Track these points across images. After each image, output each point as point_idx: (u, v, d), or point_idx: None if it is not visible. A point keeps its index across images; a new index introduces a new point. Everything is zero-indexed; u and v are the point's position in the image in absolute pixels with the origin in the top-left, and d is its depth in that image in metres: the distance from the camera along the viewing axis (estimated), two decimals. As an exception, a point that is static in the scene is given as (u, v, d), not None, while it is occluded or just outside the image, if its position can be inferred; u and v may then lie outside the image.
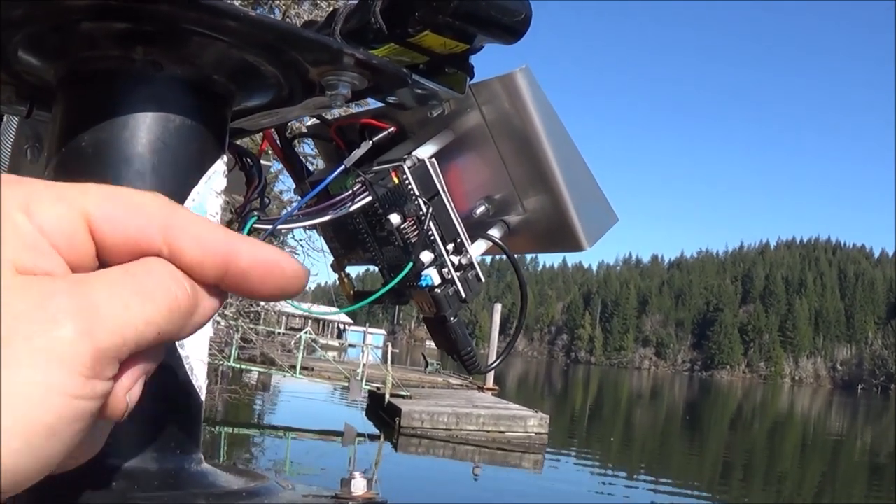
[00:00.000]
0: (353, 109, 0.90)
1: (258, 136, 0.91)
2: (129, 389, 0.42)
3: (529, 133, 0.82)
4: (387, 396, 26.07)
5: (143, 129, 0.66)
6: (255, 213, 0.79)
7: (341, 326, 73.15)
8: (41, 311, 0.38)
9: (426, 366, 41.18)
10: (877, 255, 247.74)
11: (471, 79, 0.77)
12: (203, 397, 0.69)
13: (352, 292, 0.96)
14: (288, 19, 17.13)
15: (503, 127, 0.84)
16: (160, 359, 0.46)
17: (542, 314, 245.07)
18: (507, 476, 20.29)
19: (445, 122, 0.84)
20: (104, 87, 0.68)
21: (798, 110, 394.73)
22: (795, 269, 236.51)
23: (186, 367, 0.67)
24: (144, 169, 0.66)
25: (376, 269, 0.93)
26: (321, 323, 67.13)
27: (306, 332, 30.09)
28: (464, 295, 0.84)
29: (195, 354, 0.68)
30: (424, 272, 0.83)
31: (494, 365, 1.01)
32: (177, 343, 0.66)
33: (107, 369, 0.40)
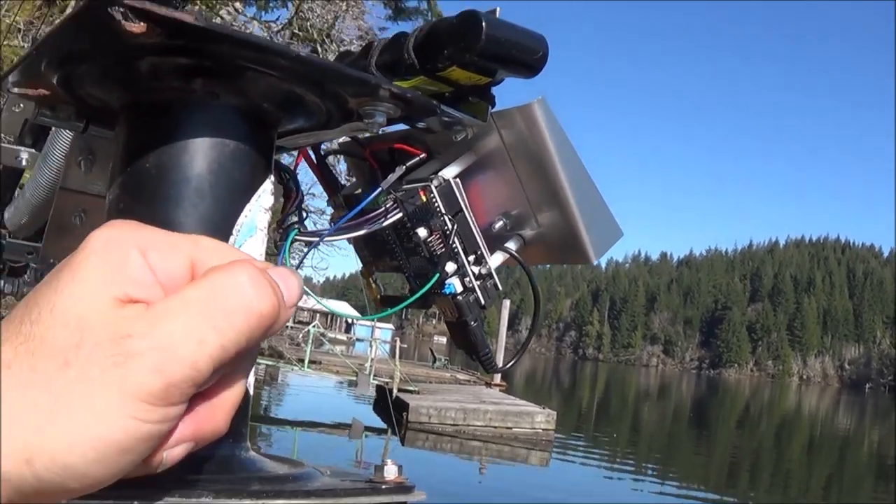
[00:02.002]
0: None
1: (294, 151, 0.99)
2: (228, 390, 0.51)
3: (544, 156, 0.91)
4: (394, 391, 26.08)
5: (201, 152, 0.73)
6: (296, 226, 0.87)
7: (349, 321, 73.06)
8: (117, 346, 0.43)
9: (434, 361, 41.16)
10: (886, 254, 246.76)
11: (492, 108, 0.85)
12: (252, 391, 0.77)
13: (378, 297, 1.04)
14: (301, 14, 17.22)
15: (520, 150, 0.92)
16: (254, 360, 0.55)
17: (550, 311, 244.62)
18: (514, 472, 20.32)
19: (468, 145, 0.92)
20: (166, 115, 0.75)
21: (809, 109, 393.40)
22: (804, 267, 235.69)
23: None
24: (203, 188, 0.73)
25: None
26: (329, 317, 67.07)
27: (314, 326, 30.15)
28: (483, 302, 0.93)
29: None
30: (448, 281, 0.91)
31: (509, 365, 1.09)
32: None
33: (179, 396, 0.45)
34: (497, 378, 33.55)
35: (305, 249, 0.89)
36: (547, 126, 0.90)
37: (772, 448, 35.12)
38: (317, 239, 0.87)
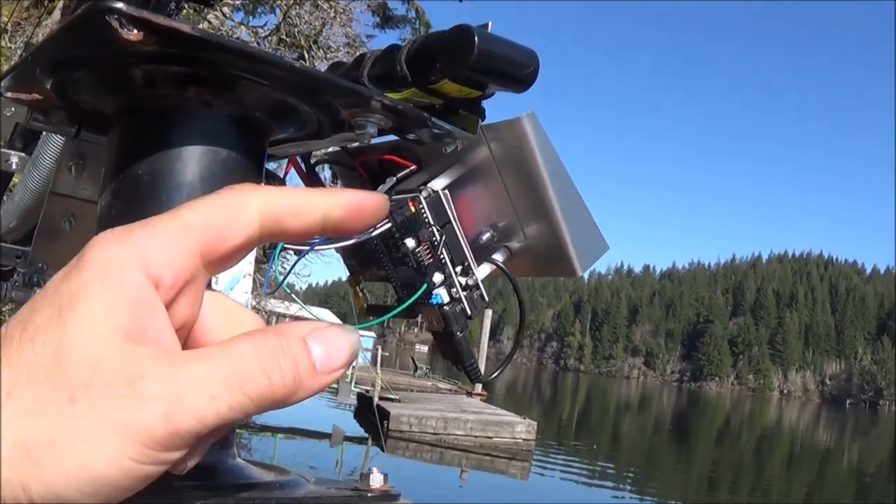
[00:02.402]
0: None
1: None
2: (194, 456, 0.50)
3: (532, 170, 0.92)
4: (375, 399, 26.06)
5: (194, 160, 0.74)
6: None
7: (331, 328, 72.40)
8: (130, 388, 0.43)
9: (415, 370, 41.13)
10: (868, 270, 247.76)
11: (482, 121, 0.86)
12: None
13: (365, 305, 1.05)
14: (289, 20, 17.20)
15: (509, 163, 0.93)
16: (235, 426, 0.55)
17: (532, 321, 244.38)
18: (494, 482, 20.32)
19: (457, 157, 0.93)
20: (159, 122, 0.75)
21: (792, 123, 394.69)
22: (787, 282, 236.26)
23: None
24: (194, 196, 0.73)
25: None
26: (311, 324, 66.57)
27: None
28: (469, 312, 0.94)
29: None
30: (435, 291, 0.92)
31: (494, 375, 1.09)
32: None
33: (180, 445, 0.45)
34: (478, 388, 33.53)
35: (295, 258, 0.90)
36: (535, 140, 0.91)
37: (752, 462, 35.17)
38: (307, 248, 0.88)
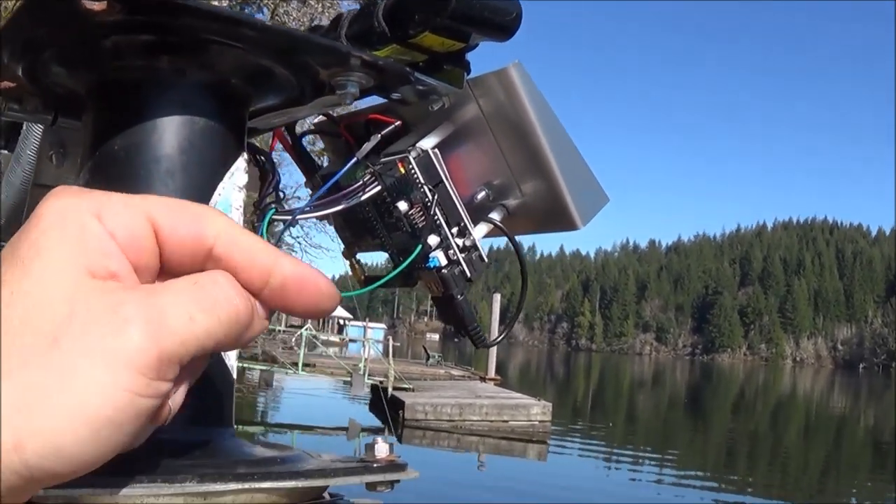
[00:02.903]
0: (358, 107, 0.96)
1: (268, 135, 0.97)
2: (173, 396, 0.49)
3: (524, 122, 0.89)
4: (389, 390, 26.08)
5: (171, 131, 0.72)
6: (273, 205, 0.85)
7: (341, 322, 73.09)
8: (113, 315, 0.42)
9: (427, 358, 41.21)
10: (874, 233, 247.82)
11: (468, 74, 0.83)
12: (234, 374, 0.76)
13: (363, 277, 1.02)
14: (276, 17, 17.21)
15: (499, 118, 0.90)
16: (205, 367, 0.54)
17: (541, 303, 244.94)
18: (512, 465, 20.36)
19: (445, 114, 0.90)
20: (133, 95, 0.73)
21: (792, 89, 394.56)
22: (793, 249, 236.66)
23: (230, 367, 0.74)
24: (174, 168, 0.71)
25: (383, 256, 0.99)
26: (321, 319, 67.05)
27: (307, 329, 30.13)
28: (469, 274, 0.91)
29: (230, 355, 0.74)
30: (432, 254, 0.90)
31: (499, 339, 1.08)
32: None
33: (168, 372, 0.44)
34: (491, 372, 33.62)
35: (283, 227, 0.87)
36: (525, 91, 0.88)
37: (768, 431, 35.19)
38: (288, 217, 0.85)
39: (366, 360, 28.75)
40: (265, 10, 17.49)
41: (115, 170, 0.72)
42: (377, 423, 24.36)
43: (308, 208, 0.88)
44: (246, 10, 17.90)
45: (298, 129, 0.99)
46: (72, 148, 1.06)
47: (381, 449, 0.75)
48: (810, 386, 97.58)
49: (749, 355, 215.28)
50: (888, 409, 56.67)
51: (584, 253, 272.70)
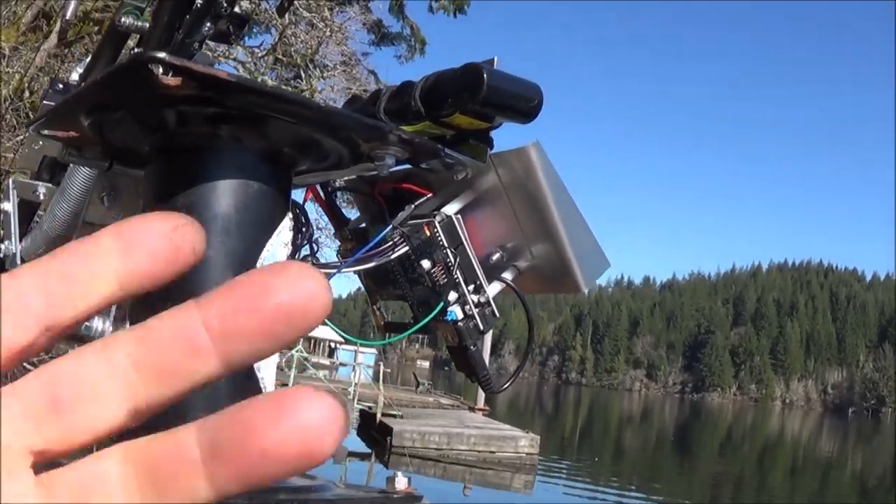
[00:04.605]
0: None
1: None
2: None
3: (538, 194, 0.99)
4: (378, 415, 26.05)
5: (228, 193, 0.81)
6: (309, 259, 0.95)
7: (332, 345, 72.72)
8: None
9: (417, 385, 41.10)
10: (868, 278, 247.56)
11: (491, 150, 0.93)
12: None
13: (382, 323, 1.12)
14: (285, 39, 17.27)
15: (516, 188, 1.01)
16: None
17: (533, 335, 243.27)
18: (498, 497, 20.33)
19: (468, 183, 1.00)
20: (194, 158, 0.82)
21: (790, 133, 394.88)
22: (787, 291, 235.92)
23: (262, 386, 0.82)
24: (230, 226, 0.80)
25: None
26: (312, 342, 66.84)
27: (297, 351, 30.06)
28: (482, 327, 1.01)
29: (268, 374, 0.83)
30: (450, 308, 1.00)
31: (506, 386, 1.16)
32: (254, 365, 0.81)
33: None
34: (480, 402, 33.52)
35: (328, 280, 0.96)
36: (541, 167, 0.98)
37: (755, 472, 35.08)
38: (334, 271, 0.95)
39: (356, 384, 28.68)
40: (273, 30, 17.54)
41: None
42: (364, 448, 24.30)
43: (348, 264, 0.97)
44: (254, 30, 17.97)
45: (330, 186, 1.09)
46: (122, 191, 1.14)
47: (401, 482, 0.84)
48: (798, 428, 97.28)
49: (739, 395, 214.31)
50: (876, 454, 56.57)
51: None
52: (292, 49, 17.53)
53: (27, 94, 12.06)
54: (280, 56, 17.45)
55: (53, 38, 12.90)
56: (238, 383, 0.78)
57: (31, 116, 11.03)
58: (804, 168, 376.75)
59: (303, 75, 17.35)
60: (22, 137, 10.87)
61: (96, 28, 12.79)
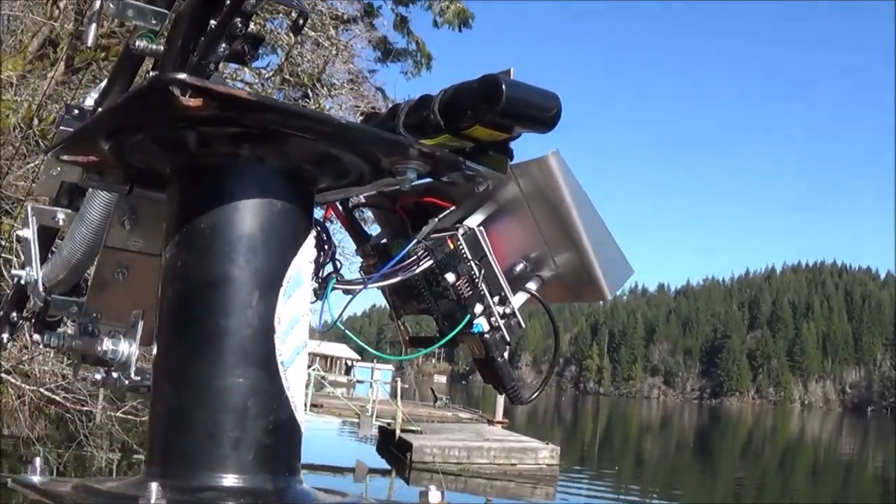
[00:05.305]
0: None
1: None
2: None
3: (559, 203, 0.99)
4: (397, 432, 26.03)
5: (252, 212, 0.81)
6: (334, 276, 0.95)
7: (349, 363, 72.72)
8: None
9: (435, 400, 41.09)
10: (883, 276, 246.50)
11: (511, 160, 0.93)
12: (303, 427, 0.84)
13: (407, 338, 1.12)
14: (291, 59, 17.30)
15: (537, 198, 1.00)
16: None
17: (550, 346, 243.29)
18: (520, 508, 20.29)
19: (489, 194, 1.01)
20: (217, 178, 0.83)
21: (799, 134, 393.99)
22: (802, 293, 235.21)
23: (292, 403, 0.82)
24: (255, 245, 0.81)
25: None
26: (329, 360, 66.93)
27: (314, 369, 30.08)
28: (508, 339, 1.01)
29: (297, 391, 0.83)
30: (476, 321, 1.00)
31: (534, 397, 1.16)
32: (283, 382, 0.81)
33: None
34: (499, 415, 33.48)
35: (346, 297, 0.96)
36: (562, 176, 0.98)
37: (776, 475, 34.99)
38: (359, 287, 0.95)
39: (374, 401, 28.67)
40: (280, 50, 17.56)
41: (200, 245, 0.81)
42: (384, 464, 24.28)
43: (373, 279, 0.97)
44: (260, 50, 17.94)
45: (351, 203, 1.09)
46: (143, 214, 1.15)
47: (434, 496, 0.84)
48: (818, 429, 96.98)
49: (757, 399, 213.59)
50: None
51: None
52: (299, 69, 17.55)
53: (36, 121, 12.08)
54: (287, 76, 17.47)
55: (61, 67, 12.94)
56: (262, 393, 0.78)
57: (41, 144, 11.12)
58: (816, 168, 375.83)
59: (310, 94, 17.36)
60: (33, 165, 10.90)
61: (103, 54, 12.83)
